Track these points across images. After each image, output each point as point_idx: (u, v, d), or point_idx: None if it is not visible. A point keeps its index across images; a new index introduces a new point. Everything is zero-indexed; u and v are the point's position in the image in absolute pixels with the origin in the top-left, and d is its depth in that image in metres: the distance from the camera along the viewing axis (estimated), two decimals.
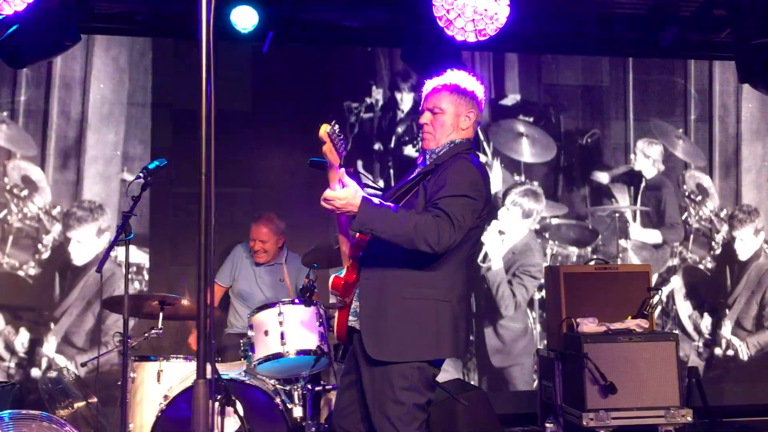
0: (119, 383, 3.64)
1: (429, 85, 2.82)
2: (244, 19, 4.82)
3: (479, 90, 2.82)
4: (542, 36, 5.52)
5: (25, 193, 5.14)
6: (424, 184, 2.65)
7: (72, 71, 5.26)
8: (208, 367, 1.21)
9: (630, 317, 4.70)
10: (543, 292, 5.49)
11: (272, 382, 3.70)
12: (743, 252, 5.90)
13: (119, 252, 4.48)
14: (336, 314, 2.73)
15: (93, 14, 5.01)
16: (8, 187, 5.13)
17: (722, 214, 5.92)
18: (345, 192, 2.52)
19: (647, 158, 5.89)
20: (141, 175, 3.60)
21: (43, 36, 4.34)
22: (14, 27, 4.20)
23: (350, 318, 2.68)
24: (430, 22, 4.49)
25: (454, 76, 2.81)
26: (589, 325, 4.61)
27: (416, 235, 2.49)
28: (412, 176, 2.78)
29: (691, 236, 5.88)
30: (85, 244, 5.16)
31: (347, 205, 2.51)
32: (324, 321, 3.69)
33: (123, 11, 5.13)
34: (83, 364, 4.11)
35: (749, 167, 5.99)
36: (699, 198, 5.91)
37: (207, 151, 1.21)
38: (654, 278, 5.48)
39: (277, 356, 3.56)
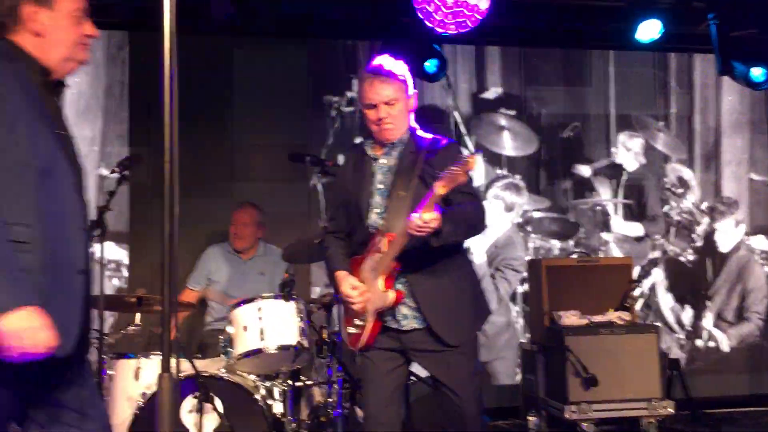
0: (96, 381, 3.59)
1: (369, 79, 2.80)
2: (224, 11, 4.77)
3: (407, 71, 2.90)
4: (523, 29, 5.51)
5: None
6: (425, 176, 2.70)
7: None
8: (173, 361, 1.18)
9: (612, 310, 4.71)
10: (526, 286, 5.49)
11: (252, 378, 3.66)
12: (724, 244, 5.93)
13: (96, 248, 4.41)
14: (368, 325, 2.77)
15: None
16: None
17: (703, 207, 5.95)
18: (435, 211, 2.59)
19: (628, 151, 5.90)
20: (117, 169, 3.55)
21: None
22: None
23: (403, 321, 2.76)
24: (410, 15, 4.47)
25: (388, 64, 2.84)
26: (571, 318, 4.62)
27: (478, 224, 2.78)
28: (399, 170, 2.78)
29: (673, 229, 5.90)
30: None
31: (438, 222, 2.59)
32: (305, 316, 3.66)
33: (99, 4, 5.04)
34: None
35: (729, 160, 6.02)
36: (680, 190, 5.93)
37: (170, 143, 1.18)
38: (636, 271, 5.49)
39: (257, 352, 3.52)
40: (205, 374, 3.42)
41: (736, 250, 5.94)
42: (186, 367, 3.30)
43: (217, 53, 5.27)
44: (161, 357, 1.21)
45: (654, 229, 5.88)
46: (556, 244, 5.75)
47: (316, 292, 5.21)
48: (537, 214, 5.74)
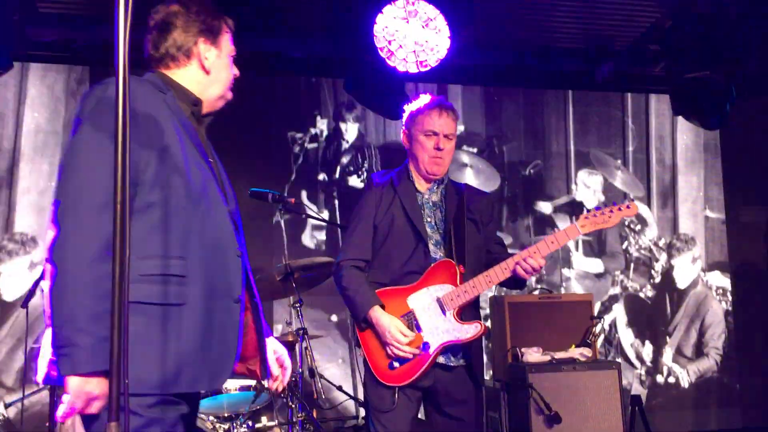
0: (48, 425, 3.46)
1: (437, 109, 2.83)
2: None
3: None
4: (484, 68, 5.60)
5: None
6: (474, 219, 2.83)
7: (4, 99, 5.10)
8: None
9: (573, 346, 4.71)
10: (488, 322, 5.49)
11: (211, 419, 3.57)
12: (681, 280, 6.03)
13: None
14: (430, 359, 2.71)
15: (28, 42, 4.87)
16: None
17: (661, 243, 6.05)
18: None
19: (588, 188, 6.00)
20: None
21: None
22: None
23: (453, 357, 2.77)
24: (372, 53, 4.51)
25: (446, 101, 2.92)
26: (533, 355, 4.61)
27: None
28: (449, 208, 2.85)
29: (632, 265, 5.98)
30: (16, 278, 4.95)
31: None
32: None
33: (59, 39, 5.01)
34: (8, 405, 3.90)
35: (685, 197, 6.15)
36: (638, 227, 6.03)
37: (122, 180, 1.16)
38: (596, 307, 5.54)
39: (216, 393, 3.44)
40: None
41: (693, 286, 6.04)
42: None
43: None
44: (108, 403, 1.16)
45: (614, 266, 5.95)
46: None
47: (278, 330, 5.13)
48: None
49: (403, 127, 2.93)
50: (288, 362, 2.11)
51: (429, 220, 2.84)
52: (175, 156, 1.80)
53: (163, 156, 1.77)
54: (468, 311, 2.80)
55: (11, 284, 4.95)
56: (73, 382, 1.60)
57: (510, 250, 5.68)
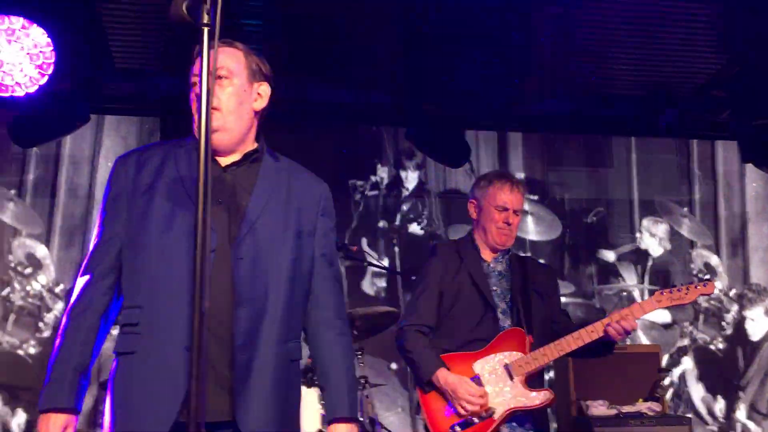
0: None
1: (508, 184, 2.93)
2: None
3: None
4: (545, 115, 5.59)
5: (29, 270, 5.13)
6: (539, 291, 2.89)
7: (81, 150, 5.34)
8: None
9: (641, 400, 4.56)
10: (551, 373, 5.37)
11: None
12: (755, 332, 5.79)
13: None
14: (493, 425, 2.70)
15: (103, 95, 5.11)
16: (12, 265, 5.13)
17: (731, 294, 5.85)
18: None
19: (653, 237, 5.87)
20: None
21: (53, 117, 4.43)
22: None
23: (518, 428, 2.74)
24: (432, 101, 4.57)
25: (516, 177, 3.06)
26: (599, 408, 4.48)
27: None
28: (514, 279, 2.91)
29: (701, 316, 5.78)
30: None
31: None
32: None
33: (133, 92, 5.23)
34: None
35: (756, 246, 5.95)
36: (707, 277, 5.84)
37: (203, 229, 1.20)
38: (664, 359, 5.36)
39: None
40: None
41: (767, 339, 5.80)
42: None
43: None
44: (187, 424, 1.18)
45: (682, 316, 5.77)
46: None
47: None
48: (562, 300, 5.66)
49: (472, 198, 2.99)
50: None
51: (495, 288, 2.87)
52: (145, 206, 1.87)
53: (131, 205, 1.90)
54: (535, 380, 2.76)
55: None
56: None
57: (572, 300, 5.66)
